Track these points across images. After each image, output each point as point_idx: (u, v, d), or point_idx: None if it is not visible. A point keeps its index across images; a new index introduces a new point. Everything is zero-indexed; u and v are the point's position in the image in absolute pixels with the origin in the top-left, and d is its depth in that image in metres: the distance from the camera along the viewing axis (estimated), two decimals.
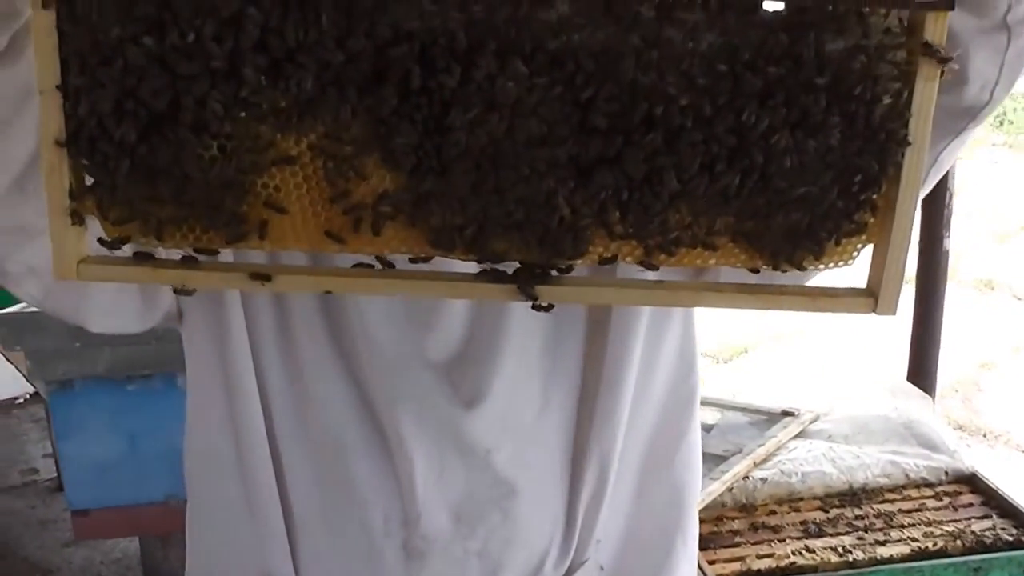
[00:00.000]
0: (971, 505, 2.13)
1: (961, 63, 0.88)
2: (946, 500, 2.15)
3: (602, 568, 1.15)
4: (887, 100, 0.78)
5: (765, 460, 2.20)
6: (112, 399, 2.19)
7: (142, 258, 0.82)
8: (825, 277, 0.88)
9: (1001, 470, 2.48)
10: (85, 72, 0.73)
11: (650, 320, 1.07)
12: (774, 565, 1.94)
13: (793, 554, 1.95)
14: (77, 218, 0.79)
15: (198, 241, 0.80)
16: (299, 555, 1.08)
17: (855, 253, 0.85)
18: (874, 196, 0.81)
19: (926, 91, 0.78)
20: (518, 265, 0.82)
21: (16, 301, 1.94)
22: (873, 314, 0.83)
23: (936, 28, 0.76)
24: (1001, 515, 2.08)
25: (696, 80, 0.76)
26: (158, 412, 2.19)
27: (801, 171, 0.78)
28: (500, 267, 0.83)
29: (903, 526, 2.05)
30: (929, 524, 2.05)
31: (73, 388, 2.18)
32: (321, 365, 1.04)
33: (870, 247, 0.84)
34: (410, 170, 0.78)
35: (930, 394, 2.59)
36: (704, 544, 1.93)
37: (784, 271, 0.84)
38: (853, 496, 2.16)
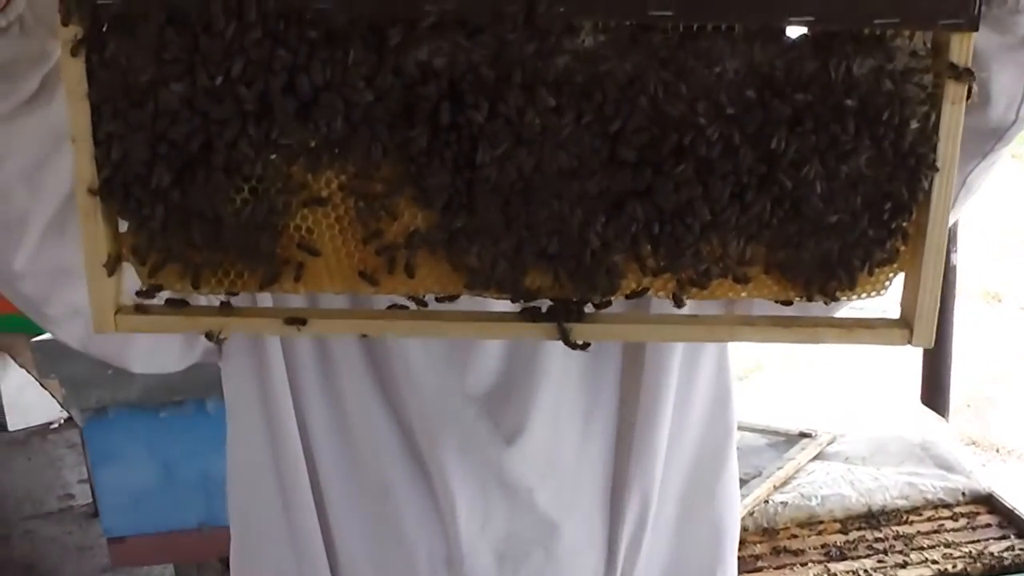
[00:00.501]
0: (989, 526, 2.11)
1: (985, 82, 0.87)
2: (964, 521, 2.12)
3: None
4: (915, 124, 0.77)
5: (784, 483, 2.19)
6: (146, 426, 2.18)
7: (176, 305, 0.82)
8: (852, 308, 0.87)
9: (1017, 486, 2.46)
10: (117, 117, 0.73)
11: (684, 351, 1.07)
12: None
13: None
14: (112, 267, 0.78)
15: (233, 286, 0.80)
16: None
17: (887, 282, 0.84)
18: (904, 224, 0.80)
19: (953, 113, 0.77)
20: (551, 303, 0.82)
21: None
22: (909, 345, 0.82)
23: (961, 49, 0.76)
24: (1019, 535, 2.06)
25: (724, 109, 0.76)
26: (191, 439, 2.16)
27: (832, 197, 0.78)
28: (534, 304, 0.82)
29: (923, 548, 2.03)
30: (948, 546, 2.03)
31: (107, 415, 2.16)
32: (364, 403, 1.04)
33: (901, 275, 0.83)
34: (442, 208, 0.77)
35: (944, 411, 2.57)
36: None
37: (820, 301, 0.83)
38: (872, 518, 2.14)
